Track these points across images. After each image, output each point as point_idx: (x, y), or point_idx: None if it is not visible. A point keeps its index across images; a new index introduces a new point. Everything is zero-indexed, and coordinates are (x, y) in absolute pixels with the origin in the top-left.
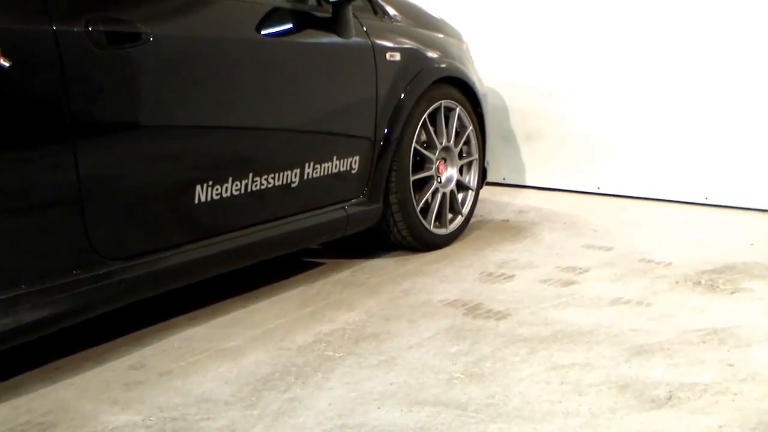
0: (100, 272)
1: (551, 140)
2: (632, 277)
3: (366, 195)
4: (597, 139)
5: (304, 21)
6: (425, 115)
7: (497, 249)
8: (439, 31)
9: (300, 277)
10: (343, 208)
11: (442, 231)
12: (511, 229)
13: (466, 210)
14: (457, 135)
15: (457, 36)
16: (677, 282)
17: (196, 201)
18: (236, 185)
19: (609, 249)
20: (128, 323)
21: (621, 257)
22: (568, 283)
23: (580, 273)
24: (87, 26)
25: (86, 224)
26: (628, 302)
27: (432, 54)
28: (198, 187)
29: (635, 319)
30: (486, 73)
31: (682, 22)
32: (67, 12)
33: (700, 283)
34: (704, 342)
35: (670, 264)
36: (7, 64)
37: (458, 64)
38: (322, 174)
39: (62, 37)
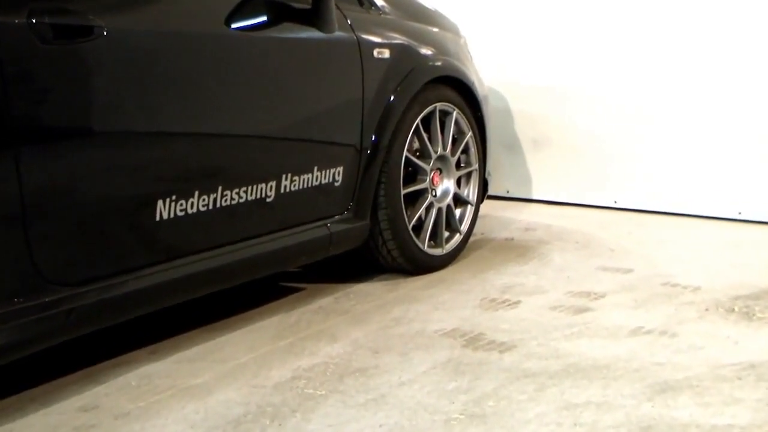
0: (47, 300)
1: (561, 148)
2: (655, 304)
3: (351, 211)
4: (613, 146)
5: (280, 13)
6: (418, 120)
7: (500, 272)
8: (434, 24)
9: (276, 304)
10: (326, 225)
11: (437, 251)
12: (516, 249)
13: (464, 227)
14: (454, 142)
15: (453, 30)
16: (707, 309)
17: (158, 218)
18: (203, 200)
19: (628, 271)
20: (79, 358)
21: (642, 281)
22: (582, 310)
23: (595, 299)
24: (30, 17)
25: (30, 244)
26: (650, 332)
27: (425, 50)
28: (160, 202)
29: (659, 351)
30: (486, 71)
31: (717, 16)
32: (7, 0)
33: (733, 310)
34: (740, 378)
35: (698, 288)
36: None
37: (455, 62)
38: (301, 187)
39: (0, 30)
